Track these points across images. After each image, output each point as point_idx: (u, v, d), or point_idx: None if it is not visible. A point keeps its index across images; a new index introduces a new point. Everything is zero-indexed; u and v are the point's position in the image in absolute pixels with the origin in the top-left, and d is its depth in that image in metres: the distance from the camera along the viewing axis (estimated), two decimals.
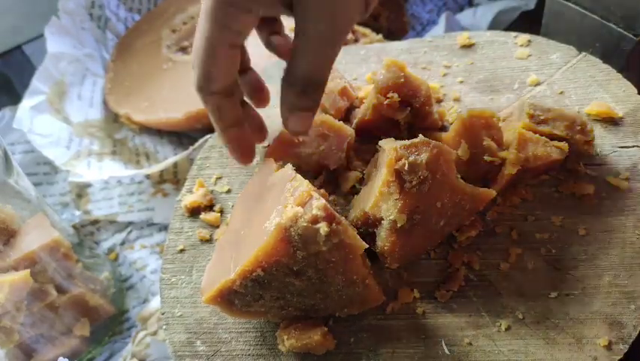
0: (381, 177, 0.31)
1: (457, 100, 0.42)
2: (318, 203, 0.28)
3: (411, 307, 0.33)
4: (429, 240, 0.34)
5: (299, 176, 0.30)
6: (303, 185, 0.28)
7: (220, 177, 0.42)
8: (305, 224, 0.27)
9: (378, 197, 0.31)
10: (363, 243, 0.29)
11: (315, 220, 0.27)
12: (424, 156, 0.30)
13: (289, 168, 0.31)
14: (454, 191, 0.32)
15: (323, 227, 0.27)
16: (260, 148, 0.43)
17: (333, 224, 0.27)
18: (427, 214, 0.32)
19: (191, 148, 0.52)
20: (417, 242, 0.33)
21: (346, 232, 0.28)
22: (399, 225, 0.31)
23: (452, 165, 0.31)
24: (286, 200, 0.28)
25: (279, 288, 0.30)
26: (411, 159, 0.30)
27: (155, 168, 0.53)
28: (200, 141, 0.51)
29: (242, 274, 0.29)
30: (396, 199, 0.31)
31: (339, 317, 0.34)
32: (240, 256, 0.30)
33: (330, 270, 0.29)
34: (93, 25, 0.67)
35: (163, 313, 0.36)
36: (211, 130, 0.49)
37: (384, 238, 0.32)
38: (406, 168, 0.30)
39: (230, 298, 0.30)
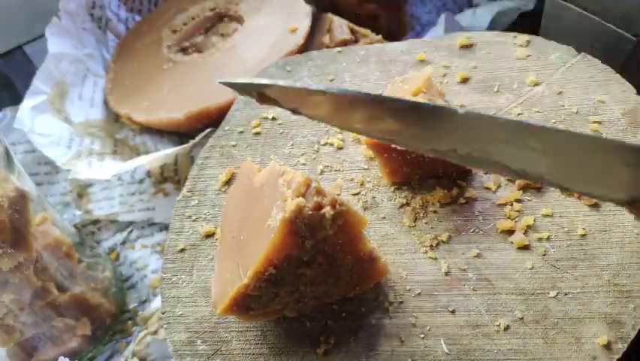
0: None
1: None
2: (318, 189, 0.28)
3: (410, 306, 0.34)
4: None
5: (289, 169, 0.30)
6: (298, 175, 0.29)
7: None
8: (310, 212, 0.27)
9: None
10: (365, 218, 0.30)
11: (319, 207, 0.28)
12: None
13: (275, 164, 0.32)
14: None
15: (328, 211, 0.28)
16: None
17: (337, 206, 0.28)
18: None
19: (191, 142, 0.52)
20: None
21: (349, 210, 0.29)
22: None
23: None
24: (283, 194, 0.28)
25: (293, 281, 0.30)
26: None
27: (155, 157, 0.53)
28: (201, 135, 0.51)
29: (254, 276, 0.29)
30: None
31: (338, 315, 0.34)
32: (247, 260, 0.30)
33: (339, 252, 0.30)
34: (94, 26, 0.67)
35: (164, 313, 0.37)
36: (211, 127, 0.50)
37: None
38: None
39: (245, 304, 0.31)
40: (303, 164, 0.42)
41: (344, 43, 0.56)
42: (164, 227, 0.56)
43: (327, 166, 0.41)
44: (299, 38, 0.56)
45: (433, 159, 0.35)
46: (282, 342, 0.34)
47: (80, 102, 0.62)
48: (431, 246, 0.36)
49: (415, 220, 0.37)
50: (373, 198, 0.39)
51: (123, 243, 0.56)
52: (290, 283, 0.30)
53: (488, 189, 0.37)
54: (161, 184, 0.57)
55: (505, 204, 0.36)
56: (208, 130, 0.51)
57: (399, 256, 0.36)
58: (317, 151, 0.42)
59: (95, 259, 0.50)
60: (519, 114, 0.40)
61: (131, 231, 0.56)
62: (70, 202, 0.58)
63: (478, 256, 0.35)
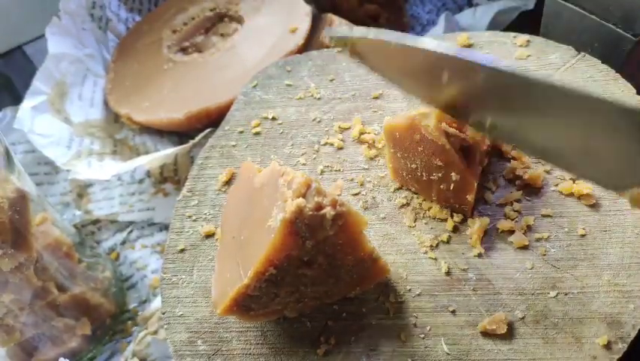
0: None
1: None
2: (319, 190, 0.28)
3: (411, 306, 0.34)
4: None
5: (289, 169, 0.30)
6: (298, 176, 0.29)
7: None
8: (311, 213, 0.27)
9: None
10: (365, 218, 0.30)
11: (320, 207, 0.28)
12: None
13: (275, 164, 0.32)
14: None
15: (329, 211, 0.28)
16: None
17: (337, 206, 0.28)
18: None
19: (191, 142, 0.52)
20: None
21: (349, 211, 0.29)
22: None
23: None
24: (284, 194, 0.28)
25: (293, 282, 0.30)
26: None
27: (155, 157, 0.53)
28: (201, 135, 0.51)
29: (255, 276, 0.29)
30: None
31: (339, 316, 0.34)
32: (247, 260, 0.30)
33: (339, 252, 0.30)
34: (94, 26, 0.67)
35: (164, 313, 0.37)
36: (211, 127, 0.50)
37: None
38: None
39: (245, 304, 0.31)
40: (303, 164, 0.42)
41: None
42: (164, 227, 0.56)
43: (327, 166, 0.41)
44: (299, 38, 0.56)
45: (430, 181, 0.35)
46: (282, 342, 0.34)
47: (80, 102, 0.62)
48: (431, 246, 0.36)
49: (415, 220, 0.37)
50: (373, 198, 0.39)
51: (123, 243, 0.56)
52: (290, 283, 0.30)
53: (488, 189, 0.37)
54: (161, 184, 0.57)
55: (505, 204, 0.36)
56: (208, 130, 0.51)
57: (399, 256, 0.36)
58: (317, 151, 0.42)
59: (95, 259, 0.50)
60: None
61: (131, 231, 0.56)
62: (70, 202, 0.58)
63: (478, 256, 0.35)
